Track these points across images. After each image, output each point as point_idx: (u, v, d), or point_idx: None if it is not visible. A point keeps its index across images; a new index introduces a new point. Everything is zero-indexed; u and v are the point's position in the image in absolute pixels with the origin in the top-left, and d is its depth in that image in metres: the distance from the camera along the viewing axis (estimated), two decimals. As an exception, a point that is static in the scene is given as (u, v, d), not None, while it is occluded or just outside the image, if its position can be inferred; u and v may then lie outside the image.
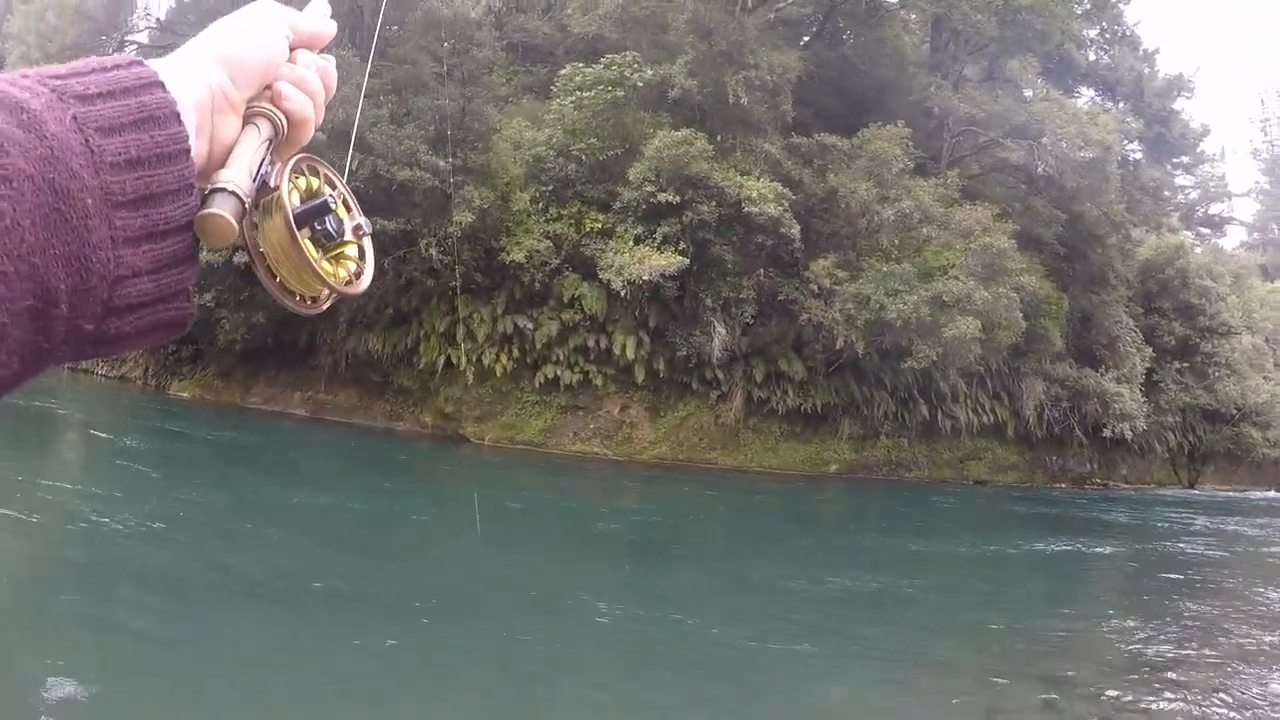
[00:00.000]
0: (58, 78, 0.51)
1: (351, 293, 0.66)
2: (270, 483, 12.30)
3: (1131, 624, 9.19)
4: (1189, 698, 6.58)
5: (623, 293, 19.59)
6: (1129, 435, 26.37)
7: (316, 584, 7.24)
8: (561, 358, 20.38)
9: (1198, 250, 38.09)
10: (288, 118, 0.64)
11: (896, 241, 21.71)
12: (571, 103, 20.91)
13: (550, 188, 21.26)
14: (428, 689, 5.37)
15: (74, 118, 0.49)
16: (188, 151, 0.54)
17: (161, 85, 0.54)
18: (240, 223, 0.58)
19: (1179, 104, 39.67)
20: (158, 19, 32.92)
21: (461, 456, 19.23)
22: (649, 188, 20.05)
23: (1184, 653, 8.01)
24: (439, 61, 20.36)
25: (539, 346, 20.41)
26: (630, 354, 20.17)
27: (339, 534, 9.73)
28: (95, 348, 0.52)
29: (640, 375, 20.32)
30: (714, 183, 20.16)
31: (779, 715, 5.56)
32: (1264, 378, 33.47)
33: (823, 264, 20.79)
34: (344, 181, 0.68)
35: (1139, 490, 28.11)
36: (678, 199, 19.88)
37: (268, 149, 0.62)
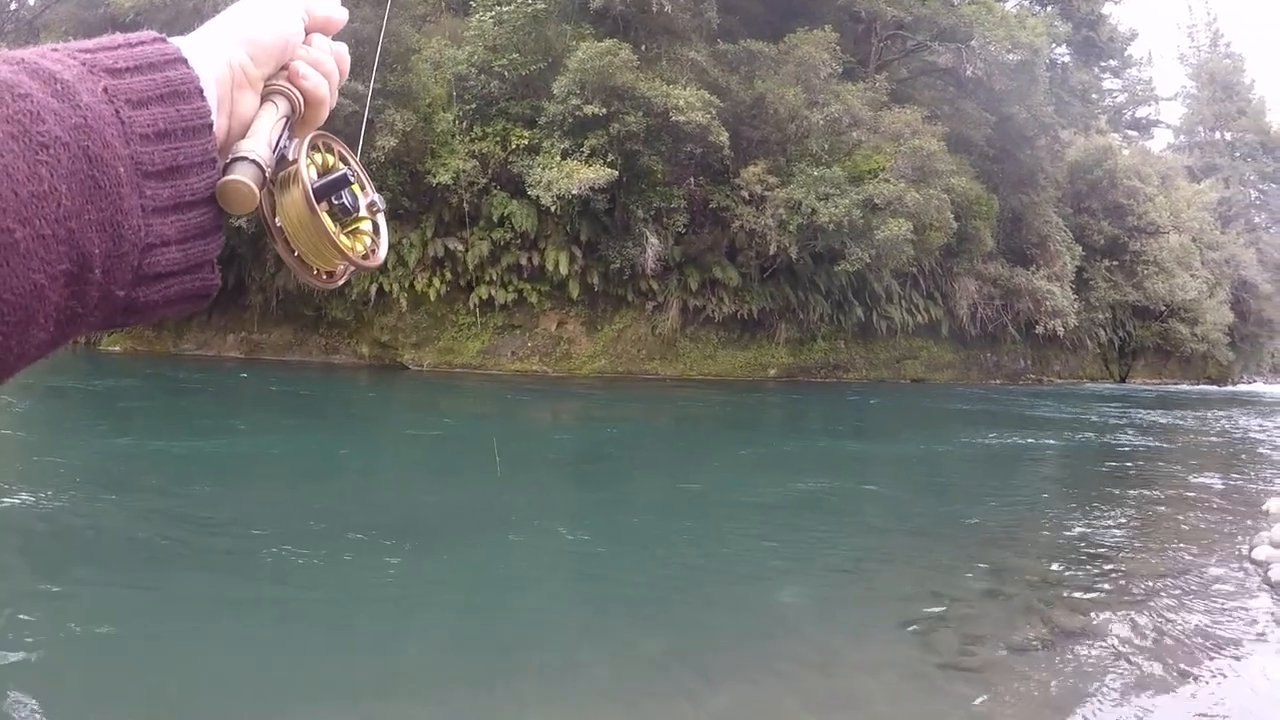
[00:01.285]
0: (87, 51, 0.52)
1: (369, 266, 0.66)
2: (206, 429, 12.03)
3: (1070, 513, 9.44)
4: (1132, 581, 6.81)
5: (553, 208, 19.38)
6: (1061, 332, 27.06)
7: (262, 528, 7.14)
8: (495, 278, 20.20)
9: (1125, 152, 38.73)
10: (304, 96, 0.65)
11: (826, 146, 21.71)
12: (491, 18, 20.38)
13: (474, 106, 20.81)
14: (387, 615, 5.36)
15: (104, 89, 0.50)
16: (210, 126, 0.55)
17: (185, 61, 0.55)
18: (260, 191, 0.58)
19: (1107, 8, 39.93)
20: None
21: (401, 383, 19.06)
22: (574, 101, 19.73)
23: (1121, 537, 8.27)
24: (350, -21, 19.66)
25: (471, 268, 20.19)
26: (564, 270, 20.04)
27: (283, 476, 9.58)
28: (125, 315, 0.53)
29: (575, 290, 20.24)
30: (640, 93, 19.89)
31: (732, 619, 5.64)
32: (1191, 275, 34.44)
33: (753, 170, 20.75)
34: (357, 159, 0.69)
35: (1072, 385, 28.96)
36: (604, 111, 19.60)
37: (285, 125, 0.63)
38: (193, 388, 17.09)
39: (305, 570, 5.93)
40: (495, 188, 20.46)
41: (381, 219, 0.70)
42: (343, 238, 0.64)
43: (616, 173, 19.43)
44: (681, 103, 19.75)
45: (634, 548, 7.25)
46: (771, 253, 20.83)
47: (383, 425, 13.80)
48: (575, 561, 6.94)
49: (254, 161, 0.58)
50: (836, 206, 20.13)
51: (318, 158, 0.65)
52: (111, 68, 0.52)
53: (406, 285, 20.27)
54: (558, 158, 19.75)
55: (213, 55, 0.59)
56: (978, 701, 4.58)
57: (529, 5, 20.01)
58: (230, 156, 0.58)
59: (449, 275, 20.27)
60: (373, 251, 0.68)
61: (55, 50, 0.51)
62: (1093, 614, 5.88)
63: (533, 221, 20.04)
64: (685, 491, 9.63)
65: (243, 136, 0.60)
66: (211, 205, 0.56)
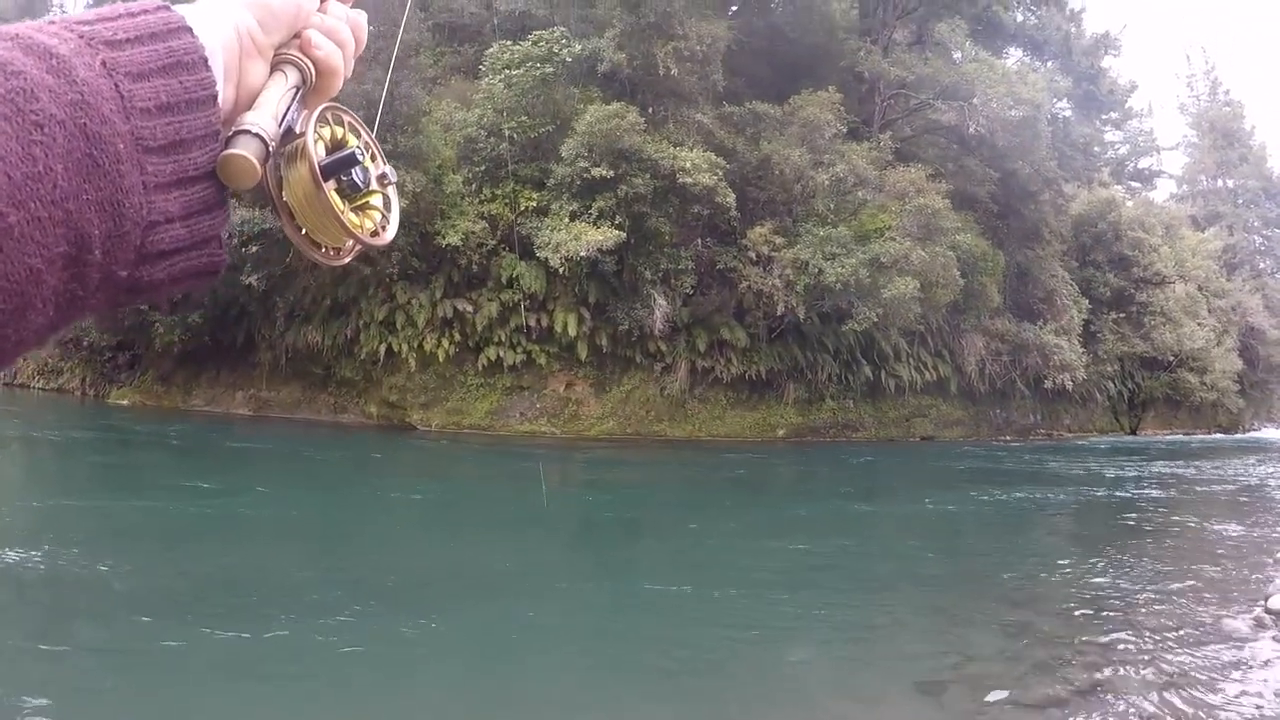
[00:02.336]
0: (85, 23, 0.50)
1: (377, 243, 0.65)
2: (214, 487, 12.04)
3: (1085, 569, 9.36)
4: (1146, 635, 6.73)
5: (561, 270, 19.48)
6: (1070, 385, 26.98)
7: (264, 590, 7.09)
8: (503, 338, 20.25)
9: (1129, 204, 38.98)
10: (316, 66, 0.63)
11: (832, 206, 21.86)
12: (501, 81, 20.68)
13: (483, 168, 21.04)
14: (393, 677, 5.30)
15: (103, 63, 0.48)
16: (215, 97, 0.54)
17: (189, 30, 0.53)
18: (264, 166, 0.56)
19: (1106, 61, 40.45)
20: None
21: (409, 444, 19.03)
22: (582, 163, 19.93)
23: (1134, 591, 8.19)
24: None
25: (480, 329, 20.25)
26: (572, 331, 20.09)
27: (289, 533, 9.55)
28: (129, 295, 0.52)
29: (583, 352, 20.27)
30: (647, 155, 20.09)
31: (743, 682, 5.58)
32: (1198, 324, 34.43)
33: (760, 231, 20.88)
34: (369, 130, 0.67)
35: (1083, 439, 28.79)
36: (612, 173, 19.79)
37: (294, 96, 0.61)
38: (199, 444, 17.10)
39: (305, 631, 5.88)
40: (504, 249, 20.60)
41: (393, 191, 0.68)
42: (350, 215, 0.62)
43: (624, 234, 19.57)
44: (688, 164, 19.95)
45: (642, 611, 7.19)
46: (779, 313, 20.88)
47: (389, 486, 13.76)
48: (581, 625, 6.86)
49: (257, 135, 0.56)
50: (843, 266, 20.21)
51: (326, 131, 0.63)
52: (111, 39, 0.50)
53: (415, 345, 20.33)
54: (566, 219, 19.90)
55: (220, 22, 0.57)
56: None
57: (538, 69, 20.31)
58: (233, 129, 0.56)
59: (458, 336, 20.33)
60: (382, 229, 0.66)
61: (53, 24, 0.49)
62: (1107, 670, 5.81)
63: (541, 283, 20.14)
64: (694, 554, 9.57)
65: (250, 107, 0.58)
66: (216, 179, 0.54)
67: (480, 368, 20.36)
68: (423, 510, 11.88)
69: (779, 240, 20.81)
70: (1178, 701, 5.27)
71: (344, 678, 5.19)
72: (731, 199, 20.35)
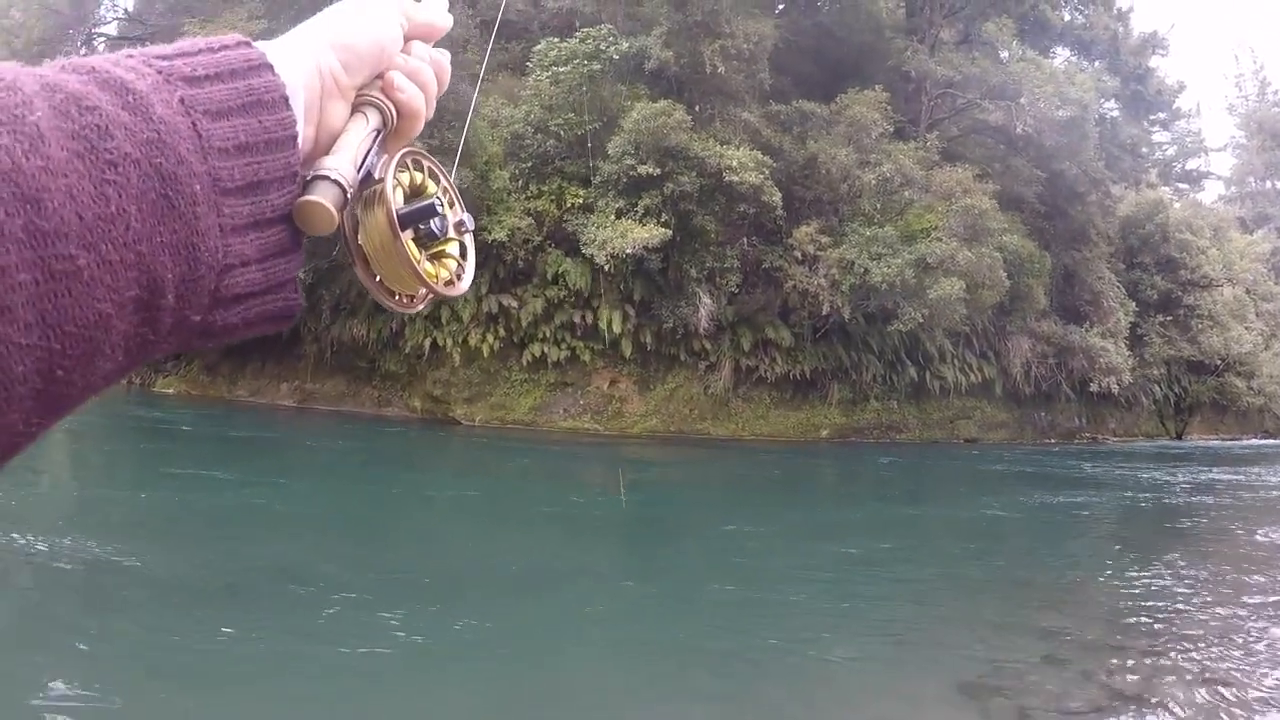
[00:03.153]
0: (164, 58, 0.49)
1: (451, 295, 0.64)
2: (260, 476, 12.19)
3: (1129, 575, 9.24)
4: (1191, 643, 6.65)
5: (606, 267, 19.52)
6: (1115, 389, 26.62)
7: (314, 576, 7.16)
8: (548, 335, 20.33)
9: (1176, 205, 38.30)
10: (398, 109, 0.61)
11: (878, 205, 21.70)
12: (548, 78, 20.75)
13: (529, 164, 21.13)
14: (430, 672, 5.35)
15: (181, 100, 0.47)
16: (295, 138, 0.53)
17: (270, 68, 0.52)
18: (341, 213, 0.55)
19: (1154, 61, 39.72)
20: (126, 10, 32.41)
21: (452, 439, 19.17)
22: (629, 160, 19.95)
23: (1180, 601, 8.07)
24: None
25: (525, 325, 20.34)
26: (617, 328, 20.13)
27: (332, 527, 9.64)
28: (202, 339, 0.50)
29: (628, 349, 20.30)
30: (694, 153, 20.07)
31: (783, 682, 5.56)
32: (1246, 328, 33.79)
33: (805, 230, 20.78)
34: (449, 176, 0.66)
35: (1127, 443, 28.38)
36: (658, 171, 19.79)
37: (375, 139, 0.60)
38: (244, 435, 17.32)
39: (343, 625, 5.91)
40: (550, 246, 20.68)
41: (469, 239, 0.67)
42: (426, 264, 0.61)
43: (670, 232, 19.56)
44: (735, 163, 19.90)
45: (683, 611, 7.17)
46: (824, 313, 20.78)
47: (434, 480, 13.86)
48: (622, 624, 6.86)
49: (335, 181, 0.55)
50: (889, 266, 20.08)
51: (406, 177, 0.62)
52: (190, 76, 0.49)
53: (460, 340, 20.46)
54: (612, 217, 19.93)
55: (302, 60, 0.55)
56: None
57: (585, 65, 20.36)
58: (311, 173, 0.55)
59: (502, 332, 20.44)
60: (457, 277, 0.65)
61: (130, 57, 0.48)
62: (1151, 678, 5.74)
63: (586, 280, 20.19)
64: (735, 554, 9.54)
65: (329, 149, 0.57)
66: (292, 221, 0.53)
67: (524, 364, 20.45)
68: (465, 506, 11.94)
69: (825, 240, 20.70)
70: (1222, 712, 5.20)
71: (379, 672, 5.24)
72: (778, 198, 20.27)
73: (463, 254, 0.66)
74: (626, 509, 10.28)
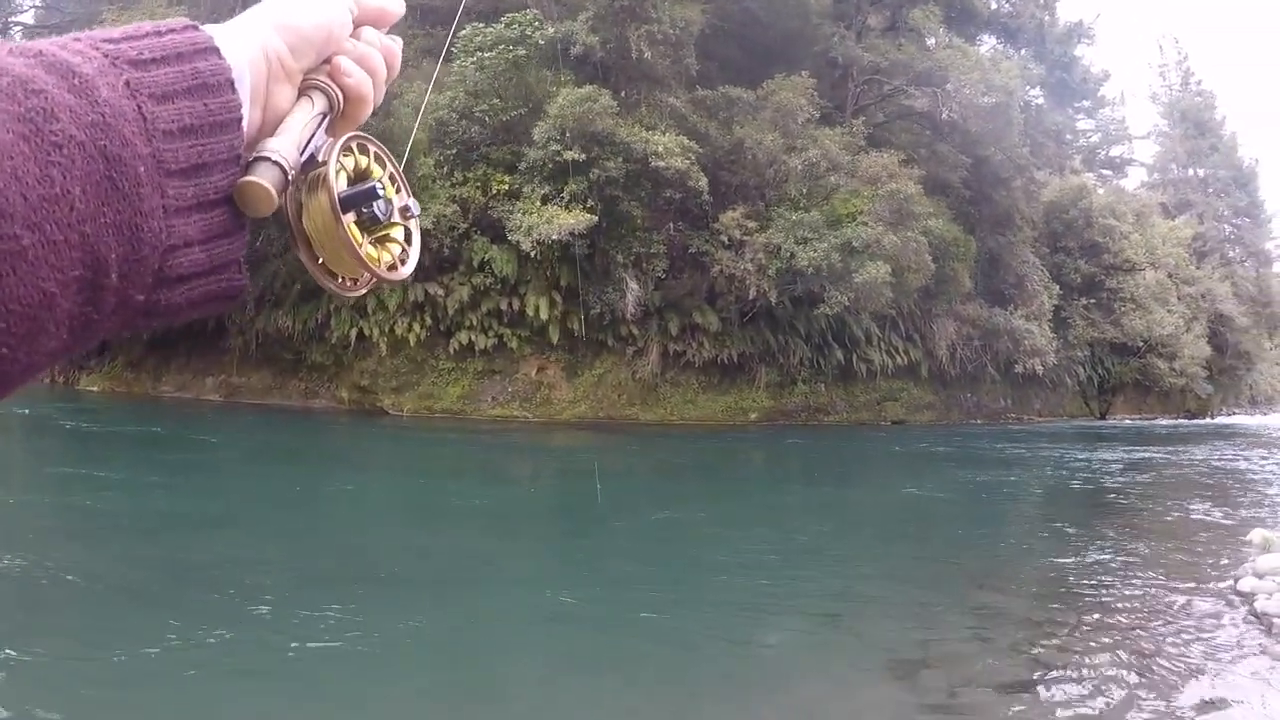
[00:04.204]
0: (110, 41, 0.49)
1: (394, 279, 0.63)
2: (183, 475, 11.88)
3: (1055, 552, 9.41)
4: (1117, 616, 6.79)
5: (533, 254, 19.43)
6: (1040, 370, 27.25)
7: (240, 575, 6.99)
8: (475, 323, 20.18)
9: (1100, 191, 39.31)
10: (345, 94, 0.61)
11: (805, 190, 21.91)
12: (473, 63, 20.55)
13: (454, 151, 20.92)
14: (359, 667, 5.25)
15: (127, 83, 0.47)
16: (239, 121, 0.52)
17: (217, 51, 0.52)
18: (282, 195, 0.55)
19: (1079, 50, 40.67)
20: (41, -1, 31.37)
21: (380, 430, 18.94)
22: (554, 146, 19.86)
23: (1107, 576, 8.25)
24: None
25: (451, 313, 20.17)
26: (544, 315, 20.06)
27: (261, 522, 9.42)
28: (145, 319, 0.50)
29: (555, 335, 20.25)
30: (620, 139, 20.05)
31: (715, 664, 5.59)
32: (1168, 311, 34.82)
33: (732, 215, 20.90)
34: (394, 161, 0.65)
35: (1052, 423, 29.09)
36: (584, 157, 19.73)
37: (320, 123, 0.59)
38: (209, 430, 16.91)
39: (274, 624, 5.80)
40: (476, 233, 20.52)
41: (415, 225, 0.66)
42: (369, 248, 0.61)
43: (596, 218, 19.53)
44: (661, 148, 19.92)
45: (613, 597, 7.15)
46: (751, 297, 20.93)
47: (363, 473, 13.67)
48: (551, 611, 6.82)
49: (276, 163, 0.55)
50: (815, 250, 20.29)
51: (350, 161, 0.62)
52: (136, 59, 0.49)
53: (387, 330, 20.22)
54: (538, 203, 19.84)
55: (249, 44, 0.55)
56: None
57: (510, 51, 20.21)
58: (253, 155, 0.55)
59: (429, 320, 20.24)
60: (401, 262, 0.64)
61: (78, 40, 0.48)
62: (1079, 652, 5.84)
63: (513, 267, 20.08)
64: (664, 540, 9.54)
65: (274, 133, 0.57)
66: (234, 204, 0.53)
67: (452, 352, 20.28)
68: (392, 499, 11.77)
69: (751, 225, 20.85)
70: (1148, 681, 5.31)
71: (310, 673, 5.14)
72: (704, 183, 20.35)
73: (407, 239, 0.65)
74: (601, 500, 10.15)
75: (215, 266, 0.52)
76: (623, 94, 21.50)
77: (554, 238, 19.05)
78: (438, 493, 11.93)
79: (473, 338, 20.14)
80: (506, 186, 20.47)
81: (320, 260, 0.61)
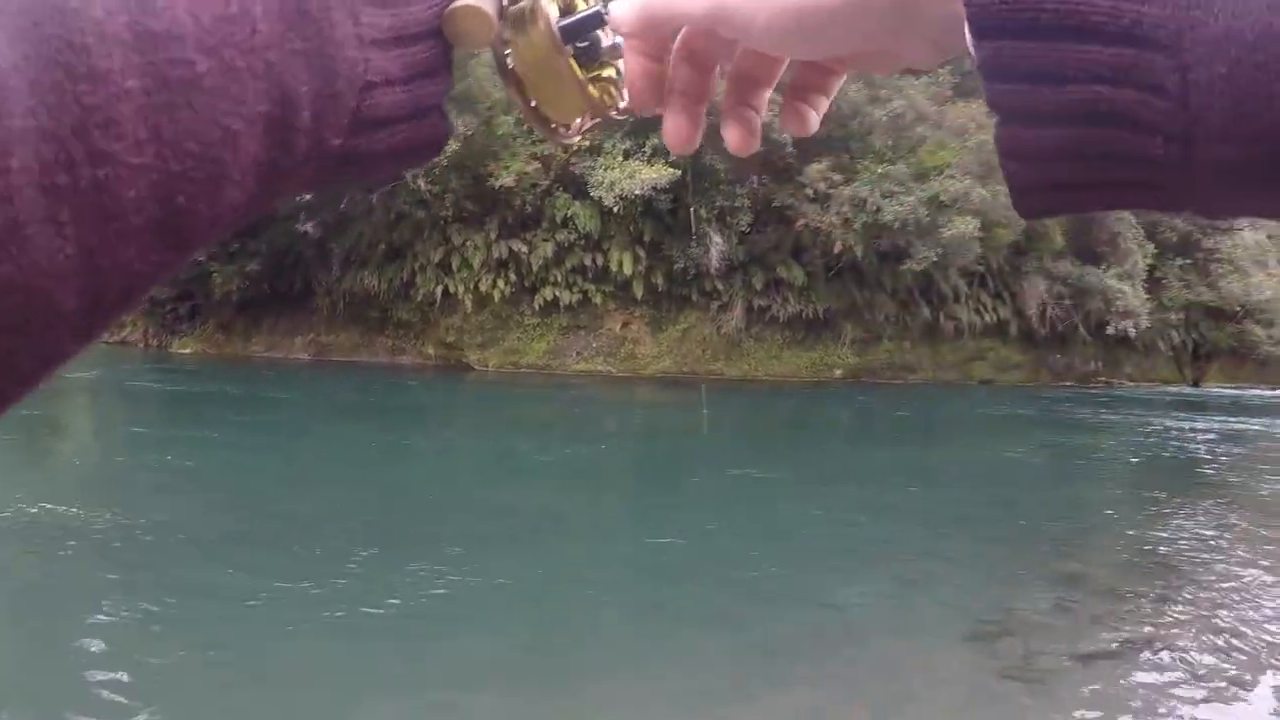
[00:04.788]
0: None
1: (617, 117, 0.57)
2: (271, 433, 12.23)
3: (1143, 523, 9.19)
4: (1202, 591, 6.65)
5: (615, 209, 19.43)
6: (1132, 333, 26.31)
7: (333, 531, 7.19)
8: (559, 279, 20.29)
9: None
10: None
11: (890, 143, 21.46)
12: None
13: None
14: (452, 614, 5.40)
15: None
16: None
17: None
18: (500, 21, 0.48)
19: None
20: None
21: (466, 385, 19.22)
22: (637, 101, 19.79)
23: (1194, 550, 8.03)
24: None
25: (535, 269, 20.31)
26: (628, 270, 20.07)
27: (352, 478, 9.65)
28: (342, 168, 0.44)
29: (639, 291, 20.25)
30: (703, 93, 19.86)
31: (795, 624, 5.64)
32: (1267, 274, 33.22)
33: (817, 168, 20.57)
34: None
35: (1143, 388, 28.12)
36: (666, 111, 19.61)
37: None
38: (302, 386, 17.41)
39: (366, 578, 5.93)
40: (558, 189, 20.59)
41: (623, 64, 0.58)
42: (590, 86, 0.54)
43: (679, 172, 19.43)
44: (744, 101, 19.68)
45: (695, 552, 7.20)
46: (836, 251, 20.62)
47: (449, 429, 13.89)
48: (638, 564, 6.91)
49: None
50: (901, 204, 19.89)
51: None
52: None
53: (471, 287, 20.47)
54: (620, 158, 19.82)
55: None
56: (1039, 712, 4.48)
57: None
58: None
59: (513, 277, 20.42)
60: (619, 98, 0.57)
61: None
62: (1160, 626, 5.73)
63: (596, 222, 20.11)
64: (747, 496, 9.54)
65: None
66: (437, 39, 0.46)
67: (536, 307, 20.44)
68: (480, 453, 11.89)
69: (836, 177, 20.50)
70: (1231, 658, 5.17)
71: (403, 624, 5.25)
72: (788, 135, 19.99)
73: (618, 75, 0.58)
74: (706, 431, 10.09)
75: (418, 110, 0.45)
76: (705, 47, 21.31)
77: (636, 193, 19.02)
78: (523, 448, 12.04)
79: (557, 293, 20.27)
80: (588, 142, 20.45)
81: (533, 103, 0.54)
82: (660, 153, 19.67)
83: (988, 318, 23.17)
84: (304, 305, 23.05)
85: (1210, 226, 31.41)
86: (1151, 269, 28.53)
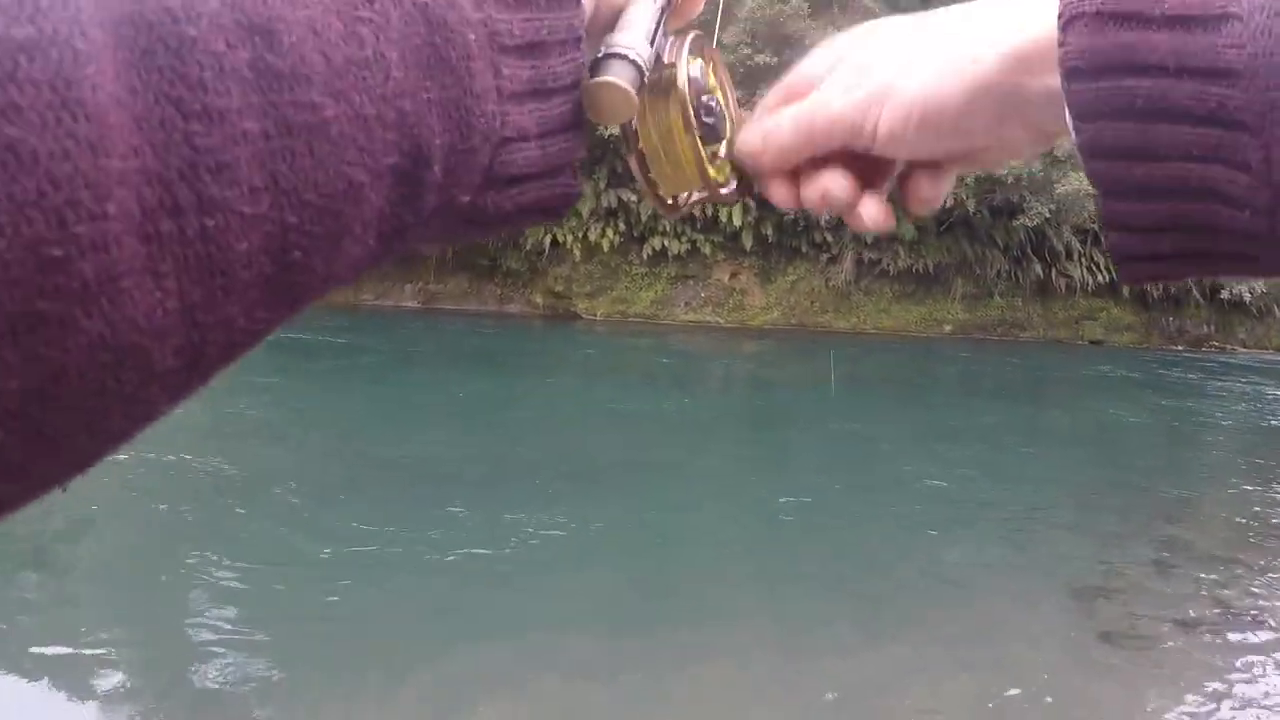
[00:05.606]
0: None
1: (728, 199, 0.58)
2: (380, 379, 12.54)
3: (1251, 492, 8.99)
4: None
5: (727, 159, 19.40)
6: (1248, 297, 25.39)
7: (444, 473, 7.38)
8: (668, 228, 20.40)
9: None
10: None
11: (1006, 95, 20.96)
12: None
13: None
14: (554, 559, 5.60)
15: None
16: None
17: None
18: (641, 98, 0.48)
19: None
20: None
21: (575, 333, 19.56)
22: (745, 50, 19.65)
23: None
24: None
25: (644, 219, 20.44)
26: (737, 220, 20.08)
27: (461, 422, 9.85)
28: (468, 227, 0.44)
29: (748, 241, 20.26)
30: (813, 41, 19.37)
31: (893, 579, 5.73)
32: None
33: (931, 121, 20.23)
34: (724, 68, 0.60)
35: (1257, 356, 27.15)
36: (775, 60, 19.44)
37: (661, 16, 0.51)
38: (413, 334, 17.87)
39: (476, 520, 6.10)
40: (670, 139, 20.65)
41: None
42: (710, 166, 0.54)
43: (792, 123, 19.28)
44: (857, 50, 19.42)
45: (798, 500, 7.29)
46: (948, 205, 20.29)
47: (556, 377, 14.10)
48: (741, 511, 7.08)
49: (634, 61, 0.47)
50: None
51: (695, 65, 0.55)
52: None
53: (580, 236, 20.72)
54: (733, 107, 19.74)
55: None
56: (1138, 677, 4.52)
57: (701, -45, 20.00)
58: (603, 50, 0.47)
59: (622, 226, 20.60)
60: (731, 179, 0.58)
61: None
62: (1266, 598, 5.65)
63: (707, 173, 20.13)
64: (852, 451, 9.59)
65: (612, 25, 0.49)
66: (573, 94, 0.45)
67: (645, 258, 20.62)
68: (587, 403, 11.94)
69: (951, 130, 20.15)
70: None
71: (510, 565, 5.44)
72: (904, 85, 19.74)
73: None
74: (834, 390, 10.12)
75: (550, 168, 0.45)
76: (816, -4, 21.02)
77: (750, 142, 18.94)
78: (630, 397, 12.15)
79: (666, 243, 20.40)
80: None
81: (651, 174, 0.55)
82: (774, 103, 19.56)
83: (1100, 277, 22.57)
84: (413, 253, 23.61)
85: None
86: (1271, 231, 27.48)
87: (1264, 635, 5.07)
